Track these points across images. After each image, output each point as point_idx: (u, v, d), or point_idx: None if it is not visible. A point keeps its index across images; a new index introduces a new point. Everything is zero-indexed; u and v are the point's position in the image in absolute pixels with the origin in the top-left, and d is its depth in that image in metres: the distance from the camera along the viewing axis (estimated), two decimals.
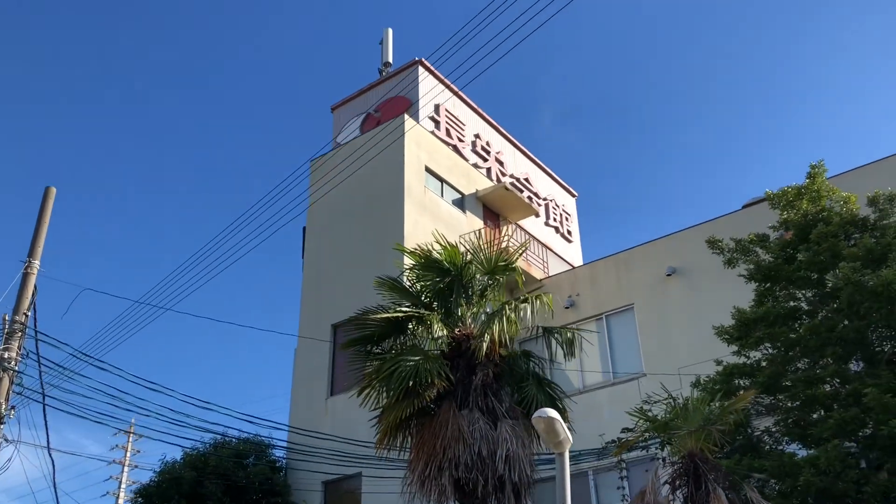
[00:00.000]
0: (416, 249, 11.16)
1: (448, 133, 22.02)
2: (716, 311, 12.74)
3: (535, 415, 7.37)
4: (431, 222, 18.70)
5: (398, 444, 10.39)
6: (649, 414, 9.75)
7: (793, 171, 70.13)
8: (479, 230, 19.79)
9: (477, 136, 23.39)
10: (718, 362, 11.08)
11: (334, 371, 18.13)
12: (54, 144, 63.16)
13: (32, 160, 61.84)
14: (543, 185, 25.84)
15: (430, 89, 21.56)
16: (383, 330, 10.70)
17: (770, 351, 10.71)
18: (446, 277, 10.88)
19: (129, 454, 31.71)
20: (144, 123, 65.12)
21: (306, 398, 18.34)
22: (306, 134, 66.65)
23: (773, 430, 10.51)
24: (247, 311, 66.15)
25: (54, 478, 11.91)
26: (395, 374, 9.70)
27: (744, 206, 16.78)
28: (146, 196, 65.73)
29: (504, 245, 11.28)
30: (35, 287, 11.89)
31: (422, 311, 10.63)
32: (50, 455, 11.81)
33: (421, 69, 21.87)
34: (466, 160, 22.19)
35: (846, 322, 10.05)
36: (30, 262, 11.97)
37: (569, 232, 26.14)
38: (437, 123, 21.77)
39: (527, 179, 24.81)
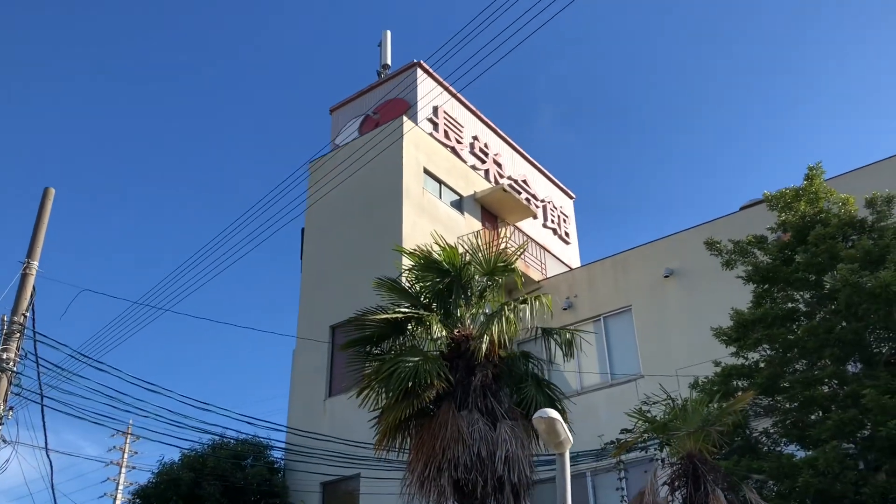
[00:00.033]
0: (415, 250, 11.17)
1: (446, 135, 22.04)
2: (713, 313, 12.76)
3: (536, 415, 7.38)
4: (430, 224, 18.72)
5: (397, 445, 10.40)
6: (648, 415, 9.77)
7: (791, 172, 70.26)
8: (478, 232, 19.81)
9: (475, 137, 23.42)
10: (717, 363, 11.09)
11: (332, 372, 18.13)
12: (53, 145, 63.14)
13: (31, 161, 61.82)
14: (541, 186, 25.88)
15: (428, 91, 21.59)
16: (382, 331, 10.71)
17: (768, 352, 10.72)
18: (445, 278, 10.89)
19: (126, 455, 31.67)
20: (143, 124, 65.13)
21: (304, 399, 18.34)
22: (305, 135, 66.74)
23: (772, 431, 10.53)
24: (246, 312, 66.20)
25: (52, 479, 11.90)
26: (394, 375, 9.70)
27: (742, 208, 16.82)
28: (145, 197, 65.77)
29: (503, 246, 11.27)
30: (34, 288, 11.89)
31: (421, 311, 10.63)
32: (48, 456, 11.80)
33: (419, 71, 21.90)
34: (465, 162, 22.22)
35: (844, 323, 10.07)
36: (28, 262, 11.96)
37: (566, 234, 26.18)
38: (435, 125, 21.80)
39: (525, 181, 24.84)
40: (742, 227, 13.58)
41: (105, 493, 31.12)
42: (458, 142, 22.49)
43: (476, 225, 20.83)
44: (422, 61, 21.85)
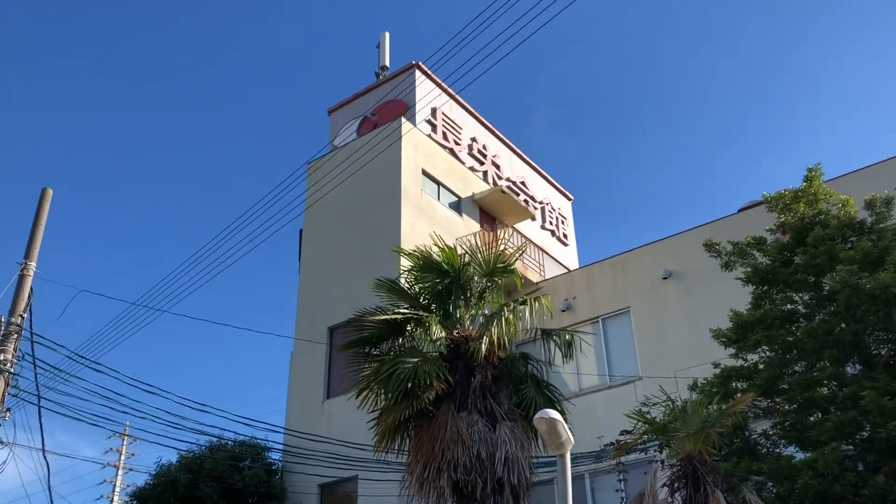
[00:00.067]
0: (414, 251, 11.16)
1: (445, 136, 22.04)
2: (712, 315, 12.76)
3: (537, 415, 7.36)
4: (428, 225, 18.72)
5: (396, 447, 10.37)
6: (648, 416, 9.75)
7: (791, 173, 70.42)
8: (476, 233, 19.81)
9: (473, 139, 23.42)
10: (716, 365, 11.08)
11: (330, 374, 18.11)
12: (51, 146, 63.08)
13: (31, 161, 61.74)
14: (539, 188, 25.89)
15: (427, 93, 21.59)
16: (381, 332, 10.69)
17: (767, 354, 10.71)
18: (444, 279, 10.88)
19: (123, 457, 31.59)
20: (142, 125, 65.09)
21: (302, 401, 18.32)
22: (303, 136, 66.75)
23: (771, 432, 10.52)
24: (244, 314, 66.11)
25: (49, 481, 11.87)
26: (393, 376, 9.67)
27: (740, 210, 16.82)
28: (144, 197, 65.72)
29: (502, 248, 11.26)
30: (31, 289, 11.85)
31: (420, 312, 10.62)
32: (45, 458, 11.78)
33: (418, 73, 21.90)
34: (463, 163, 22.22)
35: (843, 325, 10.06)
36: (26, 263, 11.93)
37: (565, 235, 26.19)
38: (433, 127, 21.79)
39: (523, 183, 24.85)
40: (741, 229, 13.58)
41: (102, 496, 31.05)
42: (457, 143, 22.49)
43: (474, 226, 20.83)
44: (420, 63, 21.86)
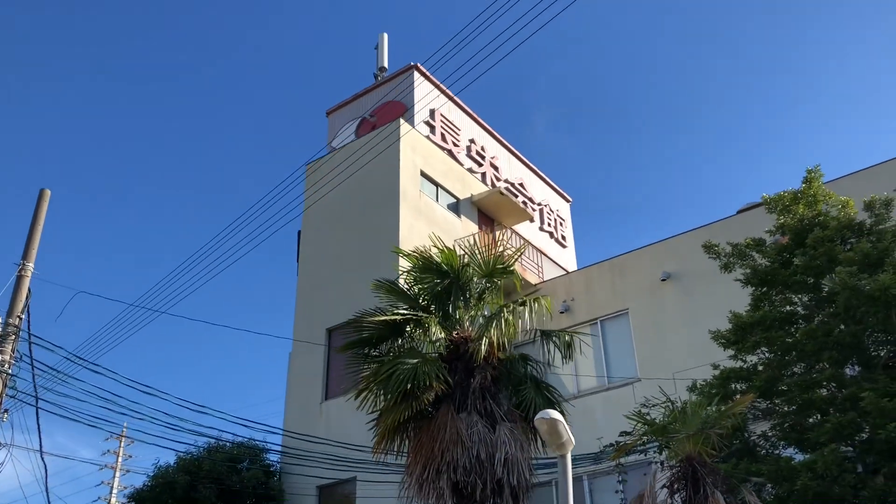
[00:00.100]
0: (413, 252, 11.15)
1: (443, 138, 22.04)
2: (710, 316, 12.75)
3: (538, 416, 7.35)
4: (427, 226, 18.72)
5: (395, 448, 10.35)
6: (647, 417, 9.75)
7: (790, 174, 70.45)
8: (475, 235, 19.80)
9: (472, 140, 23.42)
10: (715, 366, 11.08)
11: (329, 375, 18.10)
12: (51, 146, 63.02)
13: (29, 161, 61.68)
14: (538, 190, 25.90)
15: (425, 94, 21.59)
16: (381, 333, 10.68)
17: (766, 355, 10.72)
18: (444, 280, 10.86)
19: (120, 458, 31.54)
20: (141, 126, 65.05)
21: (301, 402, 18.30)
22: (302, 138, 66.71)
23: (770, 434, 10.52)
24: (243, 315, 66.07)
25: (46, 482, 11.83)
26: (392, 377, 9.66)
27: (739, 211, 16.83)
28: (142, 198, 65.66)
29: (501, 249, 11.24)
30: (29, 290, 11.83)
31: (419, 313, 10.60)
32: (42, 459, 11.74)
33: (416, 74, 21.90)
34: (461, 165, 22.23)
35: (843, 327, 10.06)
36: (24, 264, 11.91)
37: (563, 237, 26.20)
38: (432, 128, 21.79)
39: (521, 184, 24.85)
40: (739, 231, 13.58)
41: (99, 497, 30.99)
42: (455, 145, 22.50)
43: (473, 228, 20.83)
44: (419, 64, 21.86)
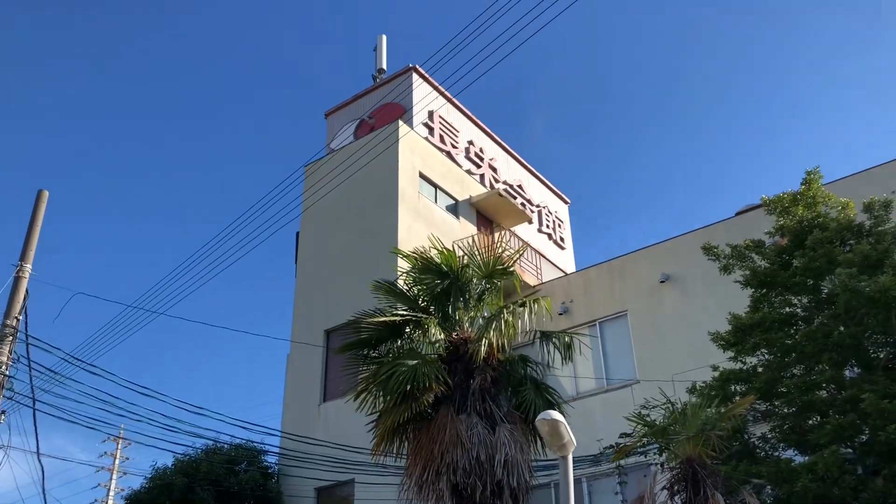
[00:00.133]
0: (413, 253, 11.12)
1: (442, 139, 22.03)
2: (708, 318, 12.76)
3: (540, 417, 7.32)
4: (425, 228, 18.70)
5: (395, 449, 10.31)
6: (647, 419, 9.73)
7: (788, 177, 70.54)
8: (473, 236, 19.78)
9: (470, 142, 23.42)
10: (714, 368, 11.07)
11: (327, 377, 18.07)
12: (47, 147, 62.93)
13: (28, 162, 61.58)
14: (536, 191, 25.89)
15: (424, 96, 21.58)
16: (380, 334, 10.64)
17: (766, 357, 10.71)
18: (443, 281, 10.83)
19: (117, 461, 31.46)
20: (139, 128, 65.00)
21: (299, 404, 18.26)
22: (301, 139, 66.71)
23: (770, 436, 10.50)
24: (242, 316, 66.00)
25: (43, 484, 11.78)
26: (392, 378, 9.62)
27: (738, 213, 16.83)
28: (140, 200, 65.60)
29: (501, 250, 11.22)
30: (27, 291, 11.78)
31: (419, 314, 10.57)
32: (39, 461, 11.69)
33: (415, 76, 21.89)
34: (460, 166, 22.22)
35: (842, 328, 10.05)
36: (21, 265, 11.86)
37: (561, 239, 26.19)
38: (430, 130, 21.79)
39: (520, 186, 24.85)
40: (738, 232, 13.59)
41: (96, 500, 30.90)
42: (454, 146, 22.49)
43: (471, 229, 20.81)
44: (417, 66, 21.85)
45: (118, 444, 31.22)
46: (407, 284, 11.20)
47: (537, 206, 25.38)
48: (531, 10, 11.16)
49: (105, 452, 31.65)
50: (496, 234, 21.47)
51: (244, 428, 18.28)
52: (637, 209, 63.96)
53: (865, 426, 9.24)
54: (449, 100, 22.46)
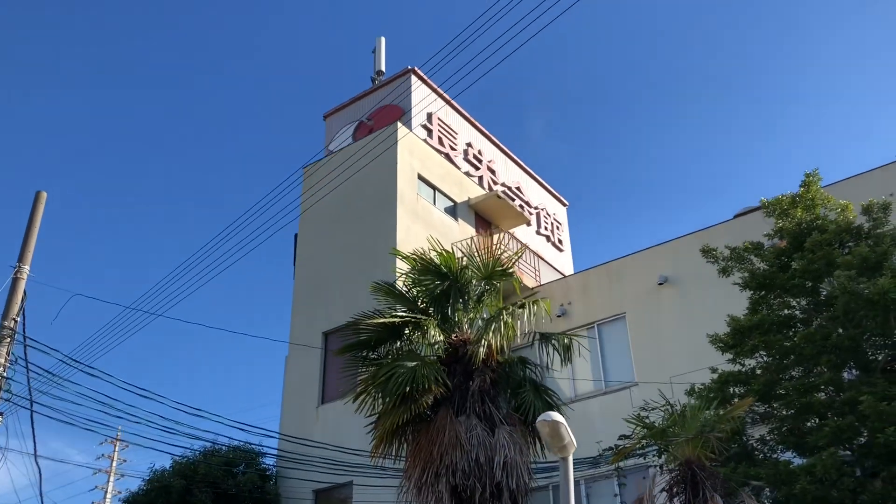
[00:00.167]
0: (412, 254, 11.11)
1: (440, 141, 22.04)
2: (707, 320, 12.75)
3: (540, 418, 7.32)
4: (424, 229, 18.70)
5: (394, 451, 10.30)
6: (646, 421, 9.73)
7: (787, 179, 70.69)
8: (472, 238, 19.78)
9: (469, 144, 23.43)
10: (713, 370, 11.08)
11: (325, 379, 18.05)
12: (47, 147, 62.88)
13: (25, 163, 61.51)
14: (535, 193, 25.91)
15: (422, 98, 21.59)
16: (379, 335, 10.62)
17: (765, 359, 10.71)
18: (443, 282, 10.82)
19: (115, 463, 31.41)
20: (137, 129, 64.97)
21: (297, 406, 18.23)
22: (299, 141, 66.77)
23: (768, 438, 10.51)
24: (241, 318, 65.95)
25: (41, 486, 11.75)
26: (391, 380, 9.61)
27: (736, 215, 16.85)
28: (138, 202, 65.57)
29: (501, 252, 11.21)
30: (24, 292, 11.76)
31: (418, 316, 10.55)
32: (37, 463, 11.66)
33: (414, 78, 21.91)
34: (458, 168, 22.23)
35: (841, 330, 10.07)
36: (19, 266, 11.84)
37: (560, 241, 26.20)
38: (429, 132, 21.80)
39: (518, 188, 24.86)
40: (736, 235, 13.58)
41: (94, 502, 30.86)
42: (452, 148, 22.50)
43: (470, 231, 20.82)
44: (416, 68, 21.87)
45: (116, 445, 31.18)
46: (406, 286, 11.20)
47: (535, 208, 25.40)
48: (530, 13, 11.18)
49: (102, 454, 31.62)
50: (495, 236, 21.48)
51: (242, 430, 18.23)
52: (636, 209, 64.07)
53: (864, 428, 9.25)
54: (447, 102, 22.47)
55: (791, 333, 10.58)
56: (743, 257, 11.58)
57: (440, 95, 21.81)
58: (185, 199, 66.72)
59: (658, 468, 9.80)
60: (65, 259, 60.02)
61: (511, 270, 11.12)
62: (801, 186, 11.46)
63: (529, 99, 66.65)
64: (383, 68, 24.37)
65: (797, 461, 9.80)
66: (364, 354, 10.82)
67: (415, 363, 9.80)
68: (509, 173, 24.98)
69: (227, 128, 68.15)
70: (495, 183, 23.73)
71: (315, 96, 66.55)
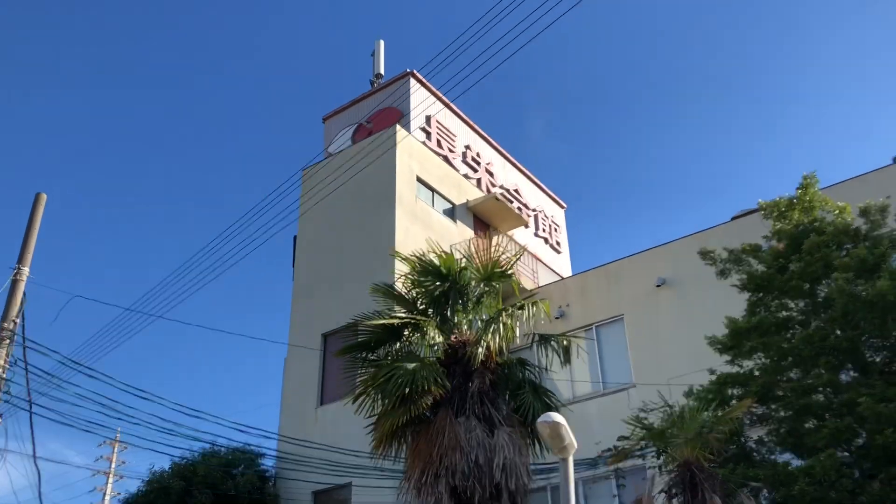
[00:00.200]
0: (411, 256, 11.14)
1: (439, 144, 22.09)
2: (705, 322, 12.77)
3: (540, 419, 7.34)
4: (422, 231, 18.74)
5: (393, 452, 10.32)
6: (645, 422, 9.75)
7: (786, 180, 70.77)
8: (470, 239, 19.82)
9: (467, 147, 23.47)
10: (712, 372, 11.11)
11: (324, 380, 18.07)
12: (47, 147, 62.87)
13: (25, 163, 61.49)
14: (533, 196, 25.95)
15: (421, 101, 21.64)
16: (378, 337, 10.64)
17: (763, 360, 10.74)
18: (442, 284, 10.84)
19: (114, 464, 31.37)
20: (137, 131, 64.97)
21: (296, 407, 18.25)
22: (298, 143, 66.76)
23: (766, 439, 10.54)
24: (240, 319, 65.91)
25: (40, 488, 11.76)
26: (390, 381, 9.63)
27: (733, 218, 16.88)
28: (138, 202, 65.54)
29: (500, 253, 11.23)
30: (24, 294, 11.78)
31: (417, 317, 10.57)
32: (36, 465, 11.66)
33: (412, 81, 21.96)
34: (457, 171, 22.27)
35: (839, 332, 10.10)
36: (19, 268, 11.86)
37: (558, 243, 26.25)
38: (428, 134, 21.84)
39: (517, 190, 24.91)
40: (734, 237, 13.60)
41: None
42: (451, 151, 22.54)
43: (468, 233, 20.86)
44: (415, 71, 21.92)
45: (115, 447, 31.14)
46: (405, 287, 11.22)
47: (534, 210, 25.44)
48: (529, 15, 11.22)
49: (102, 456, 31.53)
50: (493, 238, 21.51)
51: (241, 431, 18.26)
52: (636, 210, 64.10)
53: (862, 430, 9.29)
54: (446, 104, 22.51)
55: (789, 335, 10.61)
56: (741, 259, 11.61)
57: (439, 98, 21.85)
58: (185, 199, 66.75)
59: (657, 469, 9.83)
60: (65, 259, 60.07)
61: (510, 272, 11.14)
62: (798, 189, 11.50)
63: (529, 99, 66.78)
64: (382, 71, 24.43)
65: (796, 462, 9.82)
66: (363, 356, 10.83)
67: (414, 364, 9.83)
68: (507, 175, 25.03)
69: (227, 128, 68.23)
70: (494, 185, 23.77)
71: (314, 98, 66.65)
